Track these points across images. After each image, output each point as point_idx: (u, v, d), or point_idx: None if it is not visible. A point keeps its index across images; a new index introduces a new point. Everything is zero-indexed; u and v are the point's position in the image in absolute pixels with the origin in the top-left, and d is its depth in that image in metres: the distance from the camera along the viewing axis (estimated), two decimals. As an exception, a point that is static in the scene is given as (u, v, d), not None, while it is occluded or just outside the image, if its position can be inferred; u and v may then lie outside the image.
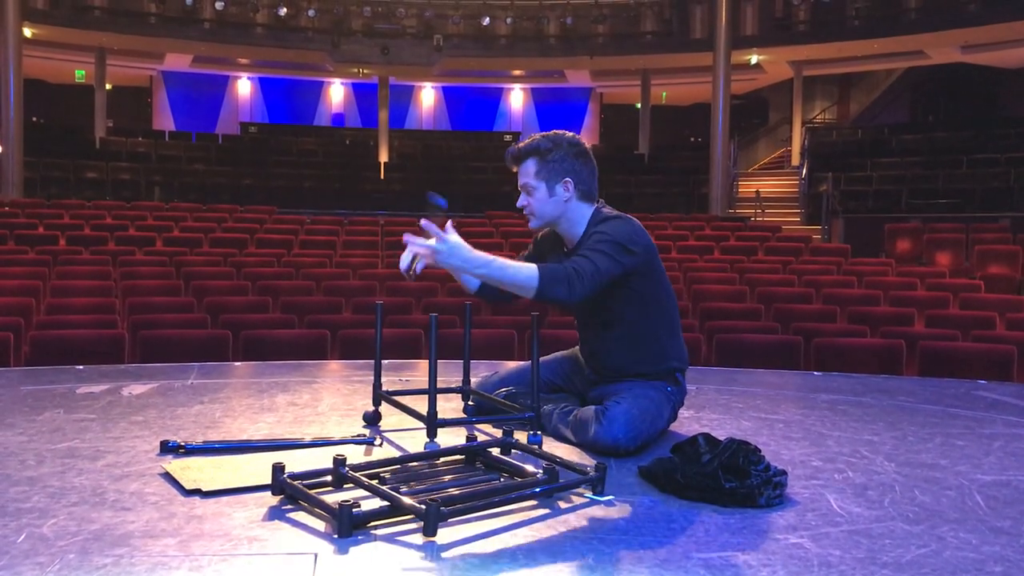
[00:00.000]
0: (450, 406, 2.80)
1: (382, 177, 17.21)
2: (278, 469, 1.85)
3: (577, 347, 2.78)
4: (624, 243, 2.39)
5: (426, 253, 2.19)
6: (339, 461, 1.87)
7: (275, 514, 1.76)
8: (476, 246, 2.23)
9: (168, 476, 2.00)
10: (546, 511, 1.82)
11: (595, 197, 2.56)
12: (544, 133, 2.55)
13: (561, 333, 4.89)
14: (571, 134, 2.55)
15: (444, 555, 1.57)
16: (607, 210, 2.55)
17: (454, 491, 1.85)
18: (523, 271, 2.24)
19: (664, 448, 2.19)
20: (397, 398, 2.59)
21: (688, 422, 2.71)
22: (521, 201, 2.55)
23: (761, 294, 7.84)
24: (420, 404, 2.50)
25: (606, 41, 17.44)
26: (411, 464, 2.05)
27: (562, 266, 2.31)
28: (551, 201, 2.50)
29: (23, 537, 1.59)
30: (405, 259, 2.42)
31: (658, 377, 2.51)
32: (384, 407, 2.62)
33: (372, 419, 2.60)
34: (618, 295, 2.46)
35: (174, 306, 6.64)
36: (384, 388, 2.64)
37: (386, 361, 3.64)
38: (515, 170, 2.57)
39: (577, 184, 2.50)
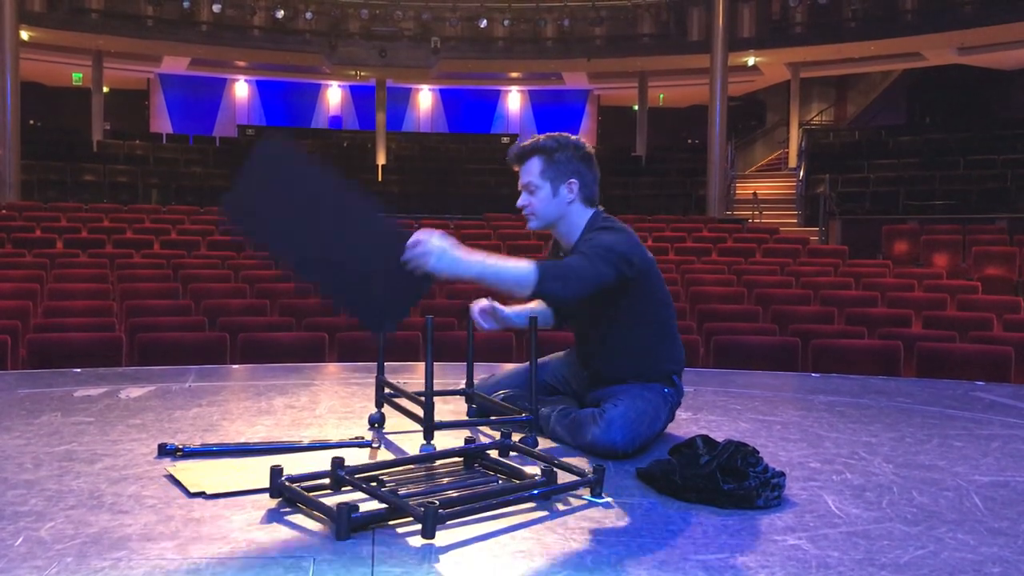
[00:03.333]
0: (448, 408, 2.80)
1: (379, 179, 17.20)
2: (276, 472, 1.85)
3: (574, 349, 2.77)
4: (624, 254, 2.36)
5: (422, 257, 2.13)
6: (337, 463, 1.87)
7: (273, 517, 1.76)
8: (474, 248, 2.23)
9: (172, 478, 2.00)
10: (544, 513, 1.82)
11: (596, 203, 2.55)
12: (549, 134, 2.52)
13: (558, 335, 4.88)
14: (576, 137, 2.54)
15: (442, 557, 1.57)
16: (604, 217, 2.54)
17: (452, 493, 1.85)
18: (518, 267, 2.21)
19: (662, 450, 2.19)
20: (397, 400, 2.58)
21: (686, 424, 2.71)
22: (522, 201, 2.52)
23: (759, 296, 7.85)
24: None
25: (603, 43, 17.45)
26: (409, 466, 2.05)
27: (559, 262, 2.30)
28: (554, 202, 2.48)
29: (20, 540, 1.59)
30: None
31: (655, 379, 2.51)
32: (386, 409, 2.62)
33: (377, 421, 2.59)
34: (613, 307, 2.46)
35: (172, 309, 6.64)
36: (383, 391, 2.63)
37: (384, 363, 3.64)
38: (517, 169, 2.53)
39: (581, 187, 2.49)
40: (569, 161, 2.47)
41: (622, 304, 2.46)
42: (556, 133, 2.54)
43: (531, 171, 2.48)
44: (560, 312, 2.72)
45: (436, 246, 2.12)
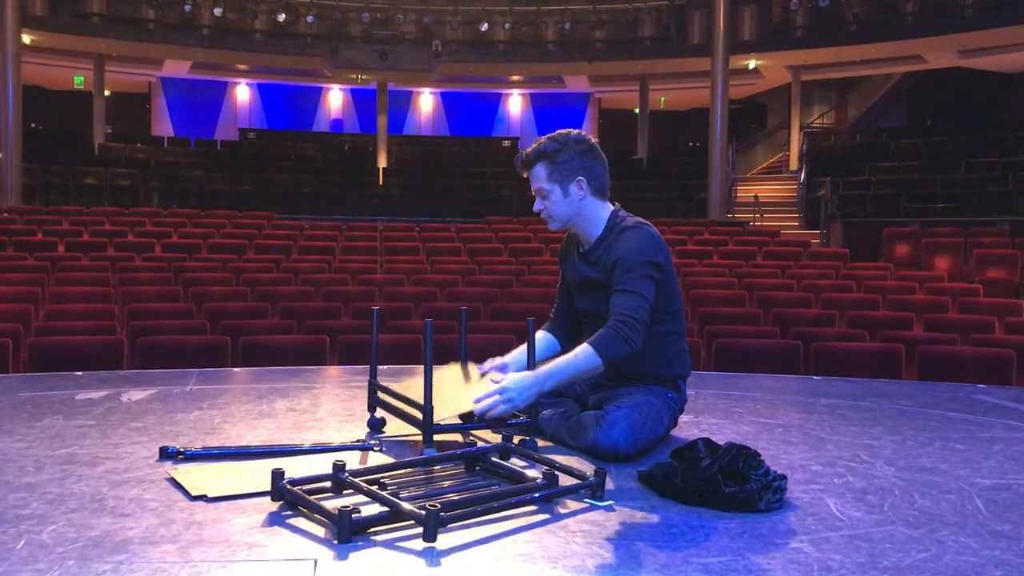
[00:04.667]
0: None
1: (381, 183, 17.22)
2: (278, 475, 1.85)
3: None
4: (652, 259, 2.42)
5: (500, 405, 2.27)
6: (338, 467, 1.87)
7: (274, 520, 1.76)
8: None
9: (173, 481, 2.00)
10: (546, 516, 1.82)
11: (607, 191, 2.57)
12: (550, 135, 2.54)
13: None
14: (577, 131, 2.56)
15: (444, 560, 1.56)
16: (623, 214, 2.56)
17: (453, 496, 1.85)
18: (582, 359, 2.33)
19: (664, 453, 2.19)
20: (394, 404, 2.57)
21: (687, 427, 2.71)
22: (537, 205, 2.56)
23: (760, 299, 7.85)
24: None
25: (604, 46, 17.45)
26: (410, 469, 2.04)
27: (610, 328, 2.34)
28: (566, 202, 2.51)
29: (22, 544, 1.59)
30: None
31: (660, 382, 2.51)
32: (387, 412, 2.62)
33: (376, 425, 2.58)
34: None
35: (173, 312, 6.64)
36: (379, 394, 2.61)
37: (385, 367, 3.64)
38: (526, 176, 2.57)
39: (589, 181, 2.51)
40: (572, 159, 2.50)
41: None
42: (557, 132, 2.55)
43: (539, 177, 2.52)
44: (569, 327, 2.75)
45: (511, 396, 2.27)
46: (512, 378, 2.29)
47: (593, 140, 2.57)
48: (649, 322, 2.38)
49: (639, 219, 2.55)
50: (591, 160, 2.52)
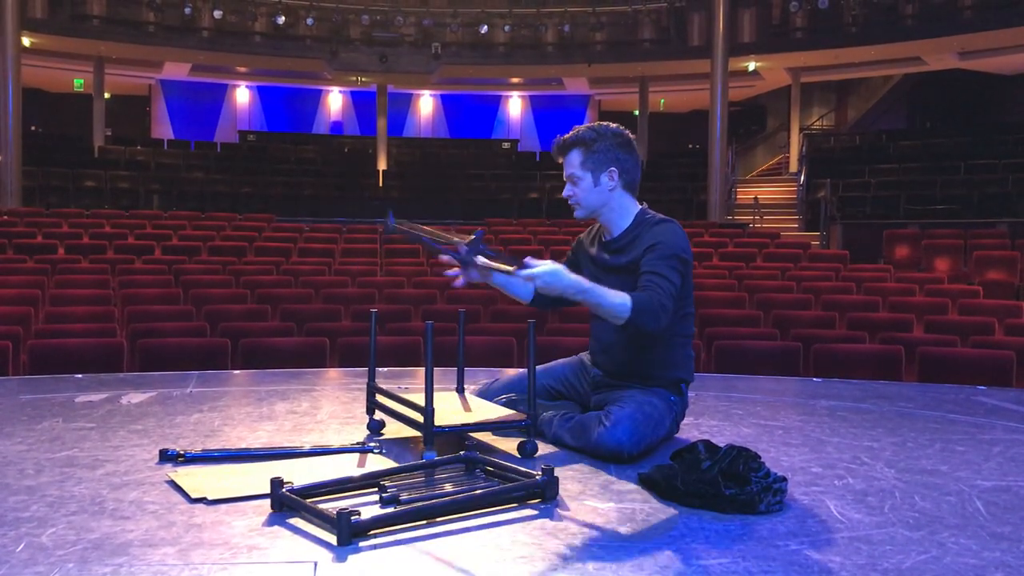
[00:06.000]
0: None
1: (380, 185, 17.22)
2: (276, 484, 1.84)
3: (579, 355, 2.77)
4: (680, 254, 2.45)
5: (527, 279, 2.28)
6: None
7: (275, 522, 1.76)
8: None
9: (173, 484, 2.00)
10: (546, 518, 1.82)
11: (637, 188, 2.60)
12: (589, 124, 2.58)
13: (560, 340, 4.89)
14: (616, 125, 2.59)
15: (444, 562, 1.56)
16: (652, 212, 2.58)
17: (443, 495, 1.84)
18: (617, 299, 2.31)
19: (664, 455, 2.19)
20: (394, 407, 2.56)
21: (688, 429, 2.71)
22: (567, 191, 2.59)
23: (760, 300, 7.84)
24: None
25: (604, 48, 17.46)
26: (410, 472, 2.04)
27: (649, 297, 2.33)
28: (595, 190, 2.53)
29: (22, 546, 1.59)
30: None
31: (663, 385, 2.51)
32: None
33: (376, 428, 2.58)
34: None
35: (173, 314, 6.64)
36: (378, 397, 2.60)
37: (385, 369, 3.64)
38: (560, 161, 2.60)
39: (621, 174, 2.54)
40: (608, 150, 2.53)
41: None
42: (597, 123, 2.59)
43: (572, 163, 2.55)
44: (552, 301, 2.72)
45: (548, 267, 2.27)
46: (551, 263, 2.29)
47: (631, 136, 2.60)
48: (673, 311, 2.39)
49: (668, 217, 2.58)
50: (625, 153, 2.55)
